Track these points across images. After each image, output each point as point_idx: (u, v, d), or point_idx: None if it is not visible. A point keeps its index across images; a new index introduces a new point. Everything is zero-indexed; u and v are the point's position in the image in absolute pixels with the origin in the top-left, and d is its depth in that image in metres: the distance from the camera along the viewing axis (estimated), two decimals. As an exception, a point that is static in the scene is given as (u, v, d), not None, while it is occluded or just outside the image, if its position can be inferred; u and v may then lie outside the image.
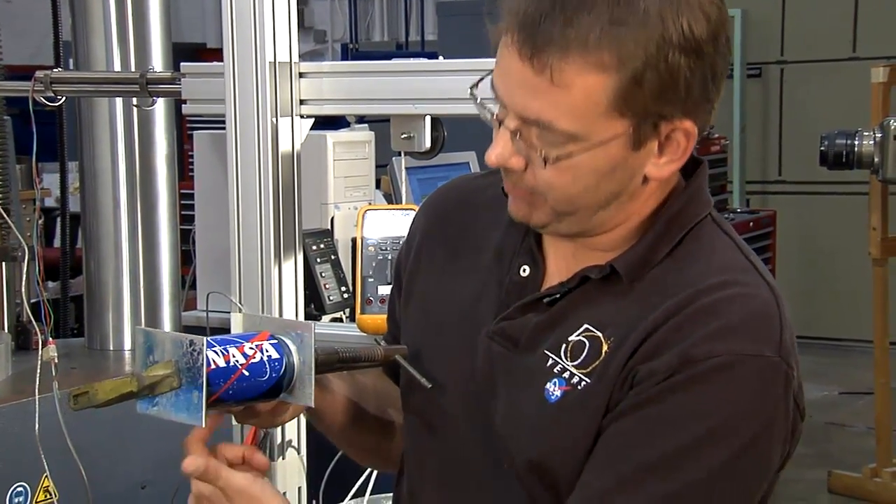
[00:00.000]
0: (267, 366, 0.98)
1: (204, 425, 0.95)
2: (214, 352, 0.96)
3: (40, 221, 2.42)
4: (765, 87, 5.97)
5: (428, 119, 1.73)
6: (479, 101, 1.01)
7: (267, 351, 0.99)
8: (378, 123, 2.50)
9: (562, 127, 0.95)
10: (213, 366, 0.95)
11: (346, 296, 2.10)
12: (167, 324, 2.21)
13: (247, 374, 0.97)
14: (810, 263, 5.69)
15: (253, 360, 0.98)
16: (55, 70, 1.96)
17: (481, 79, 1.01)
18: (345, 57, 7.33)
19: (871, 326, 3.66)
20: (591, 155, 0.96)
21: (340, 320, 2.11)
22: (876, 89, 3.48)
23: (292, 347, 1.00)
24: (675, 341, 0.96)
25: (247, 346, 0.98)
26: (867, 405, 4.16)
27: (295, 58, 1.77)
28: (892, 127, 3.19)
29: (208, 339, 0.96)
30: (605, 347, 0.99)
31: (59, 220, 3.29)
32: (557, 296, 1.03)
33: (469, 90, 1.03)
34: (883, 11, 5.57)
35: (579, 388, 0.99)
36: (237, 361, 0.97)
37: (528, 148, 0.97)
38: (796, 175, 5.83)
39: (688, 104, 0.96)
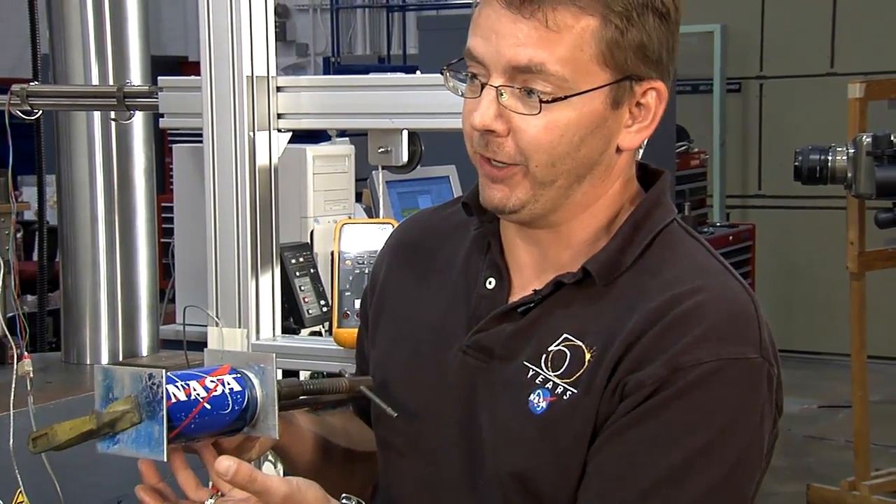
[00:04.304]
0: (229, 398, 0.98)
1: (166, 459, 0.94)
2: (175, 385, 0.95)
3: (18, 235, 2.41)
4: (744, 102, 6.02)
5: (405, 133, 1.74)
6: (451, 78, 1.03)
7: (229, 384, 0.98)
8: (359, 137, 2.50)
9: (553, 69, 0.97)
10: (173, 399, 0.94)
11: (325, 309, 2.10)
12: (145, 338, 2.20)
13: (209, 407, 0.96)
14: (789, 277, 5.73)
15: (214, 393, 0.97)
16: (32, 84, 1.96)
17: (454, 62, 1.03)
18: (327, 70, 7.36)
19: (848, 340, 3.68)
20: (577, 106, 0.98)
21: (319, 334, 2.11)
22: (853, 105, 3.52)
23: (255, 380, 0.99)
24: (660, 350, 0.96)
25: (208, 379, 0.97)
26: (846, 418, 4.19)
27: (273, 72, 1.78)
28: (865, 142, 3.22)
29: (168, 373, 0.95)
30: (587, 356, 0.99)
31: (36, 233, 3.28)
32: (531, 304, 1.03)
33: (441, 72, 1.04)
34: (860, 28, 5.64)
35: (565, 398, 0.99)
36: (198, 395, 0.96)
37: (516, 101, 0.98)
38: (775, 189, 5.88)
39: (660, 67, 1.01)
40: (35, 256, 3.18)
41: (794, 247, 5.78)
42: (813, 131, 4.93)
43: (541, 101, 0.97)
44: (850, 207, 3.57)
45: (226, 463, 0.94)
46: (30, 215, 3.81)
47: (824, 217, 5.43)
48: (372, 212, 2.51)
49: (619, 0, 0.97)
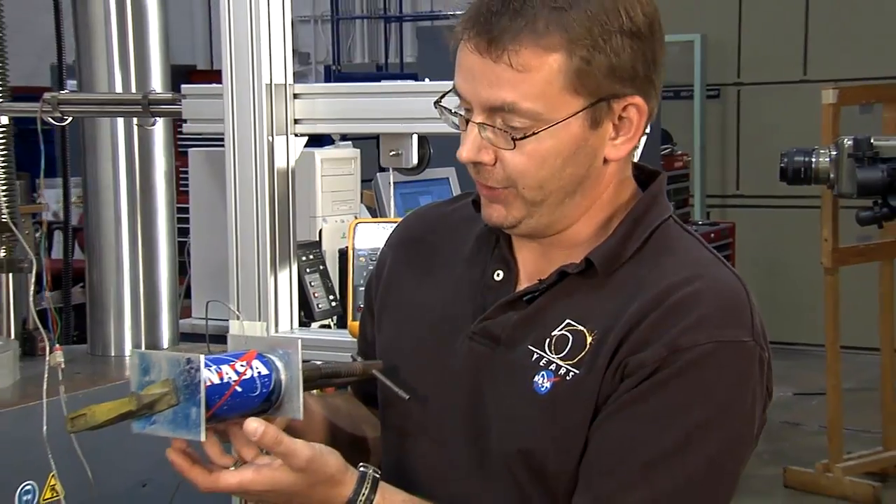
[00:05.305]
0: (257, 381, 1.00)
1: (204, 440, 0.96)
2: (209, 369, 0.97)
3: (37, 234, 2.50)
4: (723, 108, 6.16)
5: (415, 137, 1.82)
6: (444, 112, 1.08)
7: (257, 368, 1.01)
8: (362, 141, 2.60)
9: (525, 107, 1.01)
10: (208, 382, 0.96)
11: (333, 304, 2.14)
12: (166, 331, 2.26)
13: (240, 389, 0.99)
14: (767, 272, 5.84)
15: (245, 377, 0.99)
16: (62, 92, 2.04)
17: (444, 94, 1.08)
18: (328, 78, 7.39)
19: (823, 331, 3.80)
20: (555, 134, 1.02)
21: (329, 327, 2.16)
22: (826, 110, 3.63)
23: (279, 364, 1.02)
24: (660, 332, 1.00)
25: (237, 363, 1.00)
26: (820, 405, 4.27)
27: (289, 80, 1.86)
28: (847, 145, 3.30)
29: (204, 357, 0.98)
30: (589, 339, 1.03)
31: (55, 233, 3.37)
32: (536, 293, 1.07)
33: (434, 105, 1.09)
34: (831, 38, 5.80)
35: (568, 378, 1.03)
36: (230, 378, 0.98)
37: (496, 136, 1.03)
38: (753, 189, 6.03)
39: (636, 83, 1.03)
40: (53, 255, 3.28)
41: (771, 243, 5.91)
42: (788, 134, 5.06)
43: (514, 139, 1.01)
44: (824, 206, 3.68)
45: (254, 425, 0.97)
46: (46, 215, 3.88)
47: (800, 215, 5.54)
48: (376, 212, 2.60)
49: (582, 31, 0.99)
